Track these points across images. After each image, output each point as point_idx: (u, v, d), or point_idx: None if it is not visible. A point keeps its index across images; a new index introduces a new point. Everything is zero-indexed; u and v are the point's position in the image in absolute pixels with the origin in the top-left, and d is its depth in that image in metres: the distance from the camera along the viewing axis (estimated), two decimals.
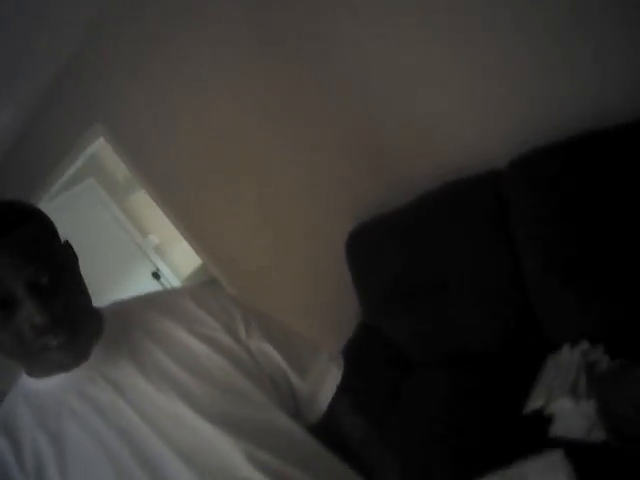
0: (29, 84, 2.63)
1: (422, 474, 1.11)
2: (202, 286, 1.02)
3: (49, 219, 0.80)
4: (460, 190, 1.79)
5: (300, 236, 2.49)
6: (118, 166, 4.03)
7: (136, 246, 4.57)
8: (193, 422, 0.77)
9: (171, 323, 0.85)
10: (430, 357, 1.80)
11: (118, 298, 0.93)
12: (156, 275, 4.54)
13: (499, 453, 1.23)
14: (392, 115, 1.98)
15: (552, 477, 0.71)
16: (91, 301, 0.81)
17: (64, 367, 0.77)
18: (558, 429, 1.27)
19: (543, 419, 1.31)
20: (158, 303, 0.91)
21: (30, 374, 0.81)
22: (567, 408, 1.30)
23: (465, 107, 1.83)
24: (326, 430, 0.91)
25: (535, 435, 1.27)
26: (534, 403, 1.37)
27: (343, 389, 0.93)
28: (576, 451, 1.15)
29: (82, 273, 0.82)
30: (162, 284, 4.54)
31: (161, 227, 4.14)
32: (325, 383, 0.92)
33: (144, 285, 4.39)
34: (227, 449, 0.76)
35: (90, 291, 0.82)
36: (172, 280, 4.68)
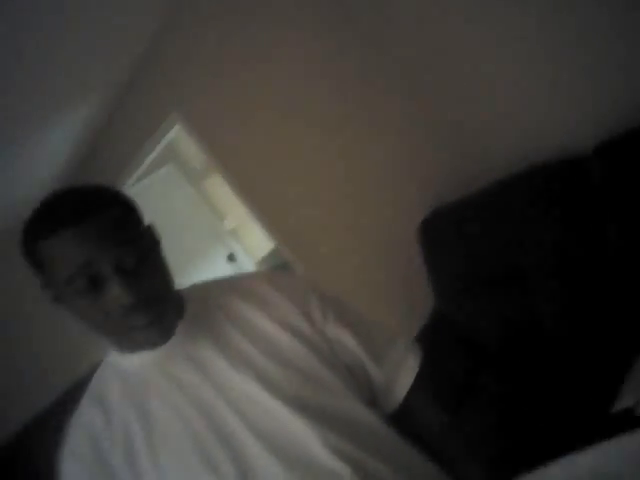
0: (109, 74, 2.75)
1: (502, 466, 1.07)
2: (280, 271, 1.02)
3: (134, 202, 0.82)
4: (544, 175, 1.70)
5: (373, 221, 2.47)
6: (195, 152, 4.16)
7: (212, 230, 4.70)
8: (272, 406, 0.78)
9: (249, 307, 0.87)
10: (508, 346, 1.74)
11: (195, 280, 0.96)
12: (231, 258, 4.66)
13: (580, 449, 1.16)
14: (472, 97, 1.90)
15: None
16: (174, 282, 0.83)
17: (150, 345, 0.80)
18: None
19: (633, 419, 1.23)
20: (237, 287, 0.92)
21: (118, 350, 0.85)
22: None
23: (550, 90, 1.73)
24: (402, 420, 0.89)
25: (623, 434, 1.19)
26: (623, 402, 1.29)
27: (420, 379, 0.91)
28: None
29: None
30: (237, 267, 4.66)
31: (236, 211, 4.24)
32: (402, 372, 0.90)
33: (219, 268, 4.52)
34: (305, 435, 0.76)
35: None
36: (246, 263, 4.79)
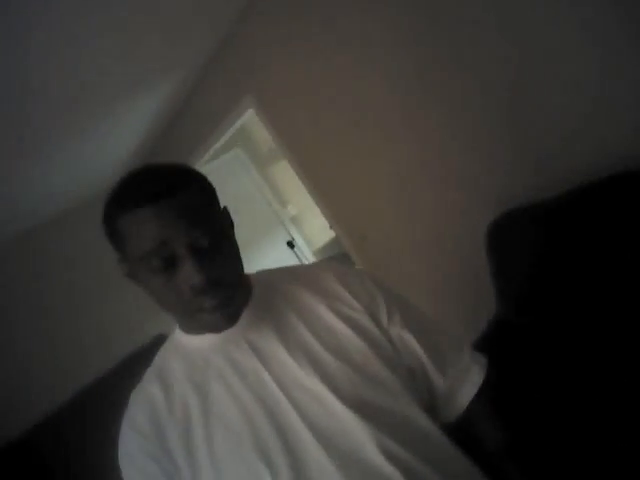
0: (188, 56, 2.81)
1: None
2: (347, 266, 1.00)
3: (211, 184, 0.83)
4: (626, 183, 1.59)
5: (437, 221, 2.41)
6: (263, 137, 4.20)
7: (274, 215, 4.75)
8: (330, 402, 0.77)
9: (314, 298, 0.86)
10: (576, 359, 1.65)
11: (254, 263, 0.95)
12: (291, 244, 4.70)
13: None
14: (552, 101, 1.81)
15: None
16: (243, 267, 0.83)
17: (215, 328, 0.81)
18: None
19: None
20: (303, 277, 0.92)
21: (183, 330, 0.86)
22: None
23: (634, 95, 1.62)
24: (459, 432, 0.86)
25: None
26: None
27: (483, 392, 0.87)
28: None
29: None
30: (296, 253, 4.69)
31: (299, 199, 4.27)
32: (465, 383, 0.87)
33: (279, 253, 4.57)
34: (360, 435, 0.75)
35: None
36: (305, 251, 4.82)
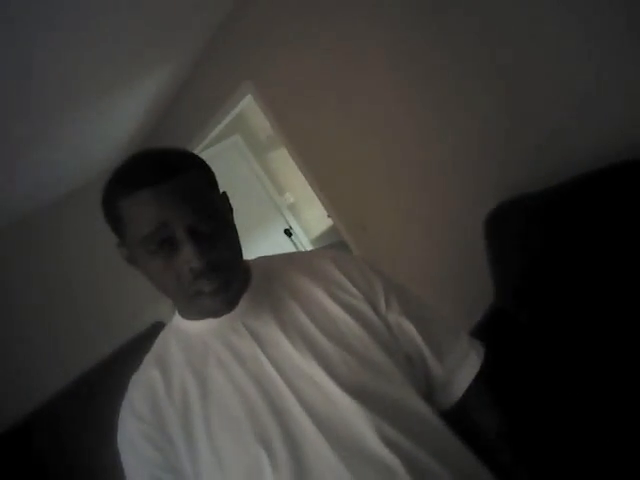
0: (186, 41, 2.78)
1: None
2: (345, 253, 1.00)
3: (210, 169, 0.83)
4: (625, 173, 1.59)
5: (438, 210, 2.41)
6: (262, 123, 4.18)
7: (272, 203, 4.74)
8: (328, 387, 0.77)
9: (313, 285, 0.86)
10: (572, 349, 1.66)
11: (251, 251, 0.95)
12: (288, 232, 4.70)
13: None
14: (553, 90, 1.80)
15: None
16: (242, 253, 0.83)
17: (214, 313, 0.81)
18: None
19: None
20: (301, 263, 0.92)
21: (182, 315, 0.86)
22: None
23: (635, 86, 1.61)
24: (457, 418, 0.86)
25: None
26: None
27: (480, 379, 0.87)
28: None
29: None
30: (293, 242, 4.69)
31: (297, 187, 4.26)
32: (463, 369, 0.87)
33: (276, 241, 4.57)
34: (359, 421, 0.75)
35: None
36: (302, 239, 4.82)
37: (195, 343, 0.83)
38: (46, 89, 2.18)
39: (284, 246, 4.57)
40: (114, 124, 3.23)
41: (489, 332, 1.79)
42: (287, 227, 4.74)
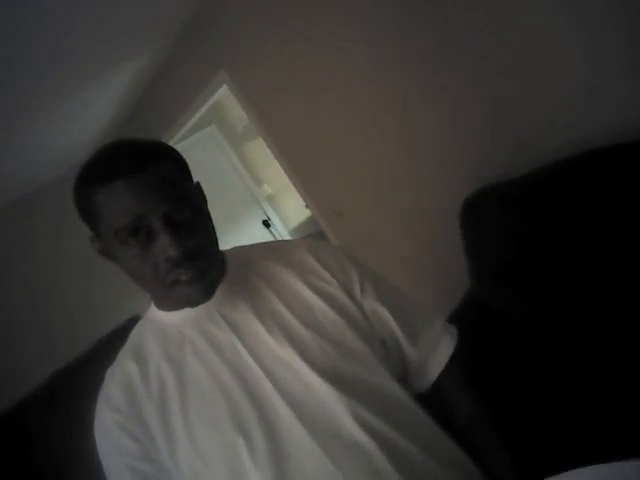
0: (161, 29, 2.74)
1: (533, 459, 1.05)
2: (321, 241, 1.01)
3: (184, 159, 0.82)
4: (597, 161, 1.62)
5: (413, 198, 2.43)
6: (238, 114, 4.15)
7: (250, 194, 4.72)
8: (304, 373, 0.78)
9: (288, 273, 0.87)
10: (542, 336, 1.70)
11: (229, 242, 0.96)
12: (266, 223, 4.69)
13: (615, 441, 1.13)
14: (529, 77, 1.82)
15: None
16: (218, 242, 0.84)
17: (191, 302, 0.81)
18: None
19: None
20: (277, 252, 0.92)
21: (158, 306, 0.86)
22: None
23: (607, 73, 1.64)
24: (431, 401, 0.88)
25: None
26: None
27: (454, 363, 0.89)
28: None
29: None
30: (271, 232, 4.69)
31: (275, 177, 4.24)
32: (436, 352, 0.89)
33: (254, 232, 4.56)
34: (335, 405, 0.76)
35: None
36: (281, 230, 4.82)
37: (171, 333, 0.83)
38: (14, 81, 2.13)
39: (262, 237, 4.57)
40: (85, 117, 3.17)
41: (465, 319, 1.81)
42: (265, 218, 4.73)
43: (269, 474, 0.74)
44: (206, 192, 0.86)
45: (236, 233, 4.24)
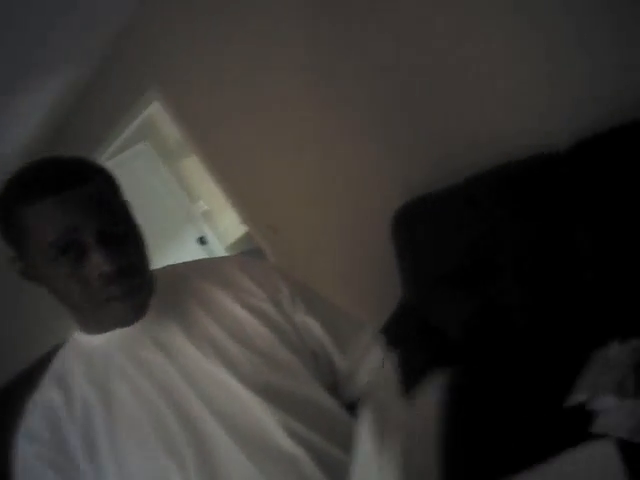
0: (91, 44, 2.68)
1: (456, 467, 1.10)
2: (251, 257, 1.02)
3: (113, 175, 0.82)
4: (517, 170, 1.73)
5: (346, 212, 2.48)
6: (171, 130, 4.10)
7: (184, 211, 4.65)
8: (235, 389, 0.78)
9: (219, 290, 0.87)
10: (473, 342, 1.78)
11: (164, 260, 0.96)
12: (202, 241, 4.63)
13: (537, 445, 1.20)
14: (449, 93, 1.92)
15: (601, 472, 0.69)
16: (150, 260, 0.83)
17: (122, 321, 0.79)
18: (600, 426, 1.23)
19: (585, 414, 1.27)
20: (207, 270, 0.92)
21: (84, 330, 0.83)
22: (611, 405, 1.26)
23: (526, 87, 1.76)
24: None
25: (576, 430, 1.23)
26: (577, 397, 1.33)
27: (384, 370, 0.92)
28: (622, 449, 1.11)
29: None
30: (207, 250, 4.63)
31: (210, 194, 4.21)
32: (365, 361, 0.92)
33: (190, 250, 4.48)
34: (266, 418, 0.77)
35: None
36: (217, 247, 4.76)
37: (97, 358, 0.81)
38: None
39: (198, 254, 4.49)
40: (12, 129, 3.04)
41: (398, 327, 1.87)
42: (201, 235, 4.66)
43: None
44: (140, 209, 0.86)
45: (171, 250, 4.15)
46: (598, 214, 1.55)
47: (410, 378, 0.98)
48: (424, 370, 1.69)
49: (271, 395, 0.78)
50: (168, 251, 4.09)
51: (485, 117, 1.89)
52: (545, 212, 1.64)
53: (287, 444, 0.76)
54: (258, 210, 2.90)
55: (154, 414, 0.77)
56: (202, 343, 0.81)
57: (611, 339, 1.41)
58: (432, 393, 0.86)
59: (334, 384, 0.90)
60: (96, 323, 0.81)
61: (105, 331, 0.81)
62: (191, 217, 4.69)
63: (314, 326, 0.88)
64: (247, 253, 3.93)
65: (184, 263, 0.97)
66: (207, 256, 4.53)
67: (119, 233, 0.75)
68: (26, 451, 0.77)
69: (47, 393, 0.80)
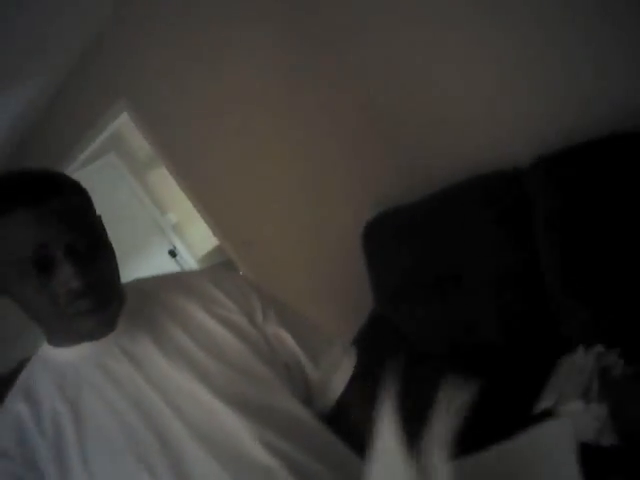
0: (57, 56, 2.65)
1: None
2: (221, 269, 1.02)
3: (85, 190, 0.81)
4: (481, 185, 1.77)
5: (317, 223, 2.49)
6: (140, 142, 4.05)
7: (154, 223, 4.60)
8: (207, 400, 0.78)
9: (189, 303, 0.87)
10: (439, 350, 1.80)
11: (134, 273, 0.95)
12: (172, 253, 4.58)
13: None
14: (416, 108, 1.96)
15: (556, 451, 0.70)
16: (119, 274, 0.82)
17: (91, 335, 0.79)
18: None
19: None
20: (177, 283, 0.92)
21: (53, 343, 0.82)
22: (578, 410, 1.29)
23: (490, 103, 1.81)
24: (335, 420, 0.91)
25: None
26: (544, 403, 1.36)
27: (354, 381, 0.93)
28: (586, 453, 1.14)
29: None
30: (178, 262, 4.58)
31: (180, 206, 4.17)
32: (337, 372, 0.92)
33: (160, 262, 4.43)
34: (239, 430, 0.77)
35: None
36: (188, 259, 4.72)
37: (66, 371, 0.80)
38: None
39: (169, 267, 4.45)
40: None
41: (369, 336, 1.89)
42: (171, 248, 4.62)
43: None
44: (108, 222, 0.85)
45: (141, 263, 4.10)
46: (563, 225, 1.59)
47: (378, 388, 0.98)
48: (393, 377, 1.71)
49: (244, 406, 0.78)
50: (138, 264, 4.04)
51: (452, 131, 1.93)
52: (510, 224, 1.68)
53: (261, 455, 0.76)
54: (228, 222, 2.89)
55: (125, 426, 0.76)
56: (173, 355, 0.81)
57: (576, 346, 1.45)
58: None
59: (307, 396, 0.91)
60: (65, 337, 0.80)
61: (74, 344, 0.80)
62: (161, 229, 4.64)
63: (286, 338, 0.89)
64: (218, 265, 3.91)
65: (154, 276, 0.97)
66: (177, 268, 4.49)
67: (89, 247, 0.75)
68: None
69: (14, 408, 0.79)
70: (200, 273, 0.95)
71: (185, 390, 0.78)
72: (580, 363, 1.41)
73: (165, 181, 3.98)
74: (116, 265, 0.81)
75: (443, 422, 0.68)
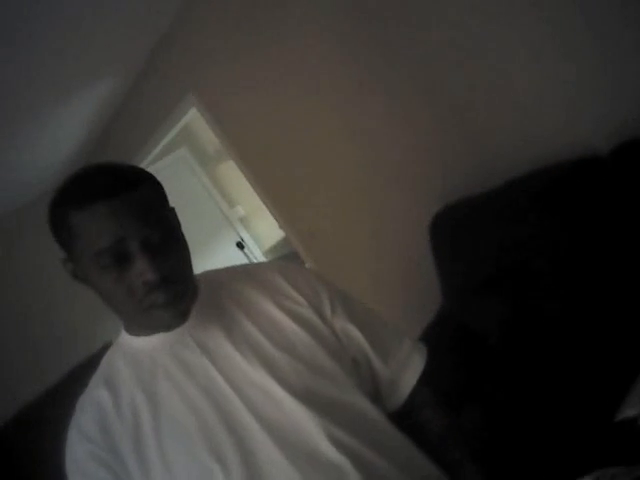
0: (128, 54, 2.75)
1: (500, 472, 1.07)
2: (292, 263, 1.02)
3: (161, 184, 0.83)
4: (558, 175, 1.68)
5: (384, 216, 2.46)
6: (209, 136, 4.15)
7: (223, 216, 4.71)
8: (278, 395, 0.78)
9: (260, 295, 0.87)
10: (515, 348, 1.73)
11: (203, 265, 0.97)
12: (240, 245, 4.67)
13: (584, 459, 1.15)
14: (487, 97, 1.88)
15: None
16: (192, 266, 0.84)
17: (166, 326, 0.81)
18: None
19: (635, 430, 1.22)
20: (248, 275, 0.93)
21: (130, 331, 0.85)
22: None
23: (567, 90, 1.71)
24: (404, 418, 0.89)
25: (626, 446, 1.18)
26: (628, 411, 1.27)
27: (424, 379, 0.90)
28: None
29: None
30: (245, 254, 4.67)
31: (247, 199, 4.24)
32: (407, 370, 0.90)
33: (228, 254, 4.53)
34: (308, 425, 0.77)
35: None
36: (255, 251, 4.80)
37: (143, 359, 0.82)
38: None
39: (237, 259, 4.54)
40: (54, 139, 3.14)
41: (437, 334, 1.84)
42: (239, 240, 4.71)
43: None
44: (179, 215, 0.87)
45: (210, 255, 4.21)
46: (630, 219, 1.49)
47: (449, 387, 0.96)
48: (463, 379, 1.66)
49: (314, 402, 0.78)
50: (207, 255, 4.15)
51: (522, 120, 1.84)
52: (587, 217, 1.59)
53: (331, 452, 0.76)
54: (295, 215, 2.90)
55: (198, 415, 0.78)
56: (244, 347, 0.81)
57: None
58: None
59: (375, 392, 0.89)
60: (140, 327, 0.83)
61: (150, 334, 0.83)
62: (229, 222, 4.74)
63: (354, 333, 0.88)
64: (284, 257, 3.95)
65: (225, 268, 0.98)
66: (245, 260, 4.58)
67: (163, 241, 0.76)
68: (79, 450, 0.79)
69: (96, 392, 0.82)
70: (269, 266, 0.95)
71: (255, 383, 0.79)
72: None
73: (233, 174, 4.06)
74: (189, 258, 0.83)
75: None
